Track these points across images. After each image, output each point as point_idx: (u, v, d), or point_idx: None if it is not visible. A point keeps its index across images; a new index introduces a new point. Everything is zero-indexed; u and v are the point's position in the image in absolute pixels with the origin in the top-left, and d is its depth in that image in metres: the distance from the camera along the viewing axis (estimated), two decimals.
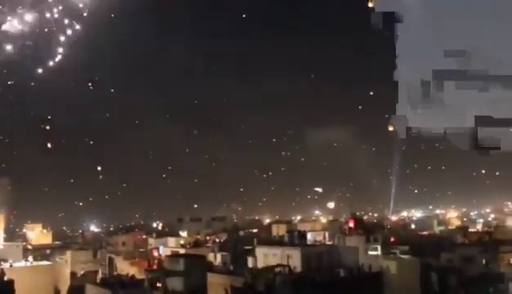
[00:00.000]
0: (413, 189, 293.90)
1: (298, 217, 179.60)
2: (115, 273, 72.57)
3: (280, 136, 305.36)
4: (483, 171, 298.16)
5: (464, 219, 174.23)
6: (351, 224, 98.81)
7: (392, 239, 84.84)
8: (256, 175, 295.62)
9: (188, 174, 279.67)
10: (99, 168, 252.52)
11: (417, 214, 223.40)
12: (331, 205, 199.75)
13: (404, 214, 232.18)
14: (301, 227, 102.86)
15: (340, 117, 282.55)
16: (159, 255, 78.08)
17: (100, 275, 64.59)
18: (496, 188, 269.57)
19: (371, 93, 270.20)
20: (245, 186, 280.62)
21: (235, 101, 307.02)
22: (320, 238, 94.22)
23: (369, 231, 71.01)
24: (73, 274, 69.28)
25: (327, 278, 52.07)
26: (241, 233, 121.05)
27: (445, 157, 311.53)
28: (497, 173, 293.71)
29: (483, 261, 69.54)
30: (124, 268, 73.73)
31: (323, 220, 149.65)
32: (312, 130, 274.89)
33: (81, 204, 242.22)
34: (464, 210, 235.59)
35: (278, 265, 56.75)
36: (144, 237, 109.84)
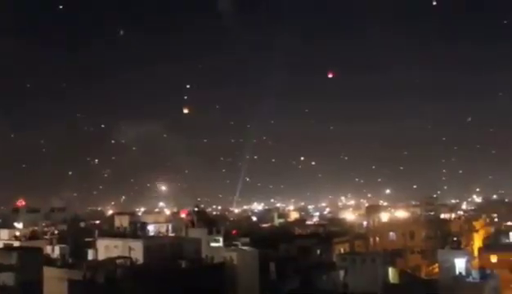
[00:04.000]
0: (249, 182, 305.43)
1: (142, 209, 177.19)
2: None
3: (111, 124, 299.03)
4: (302, 158, 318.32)
5: (303, 212, 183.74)
6: (183, 215, 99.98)
7: (234, 231, 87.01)
8: (90, 163, 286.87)
9: (15, 160, 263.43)
10: None
11: (259, 207, 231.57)
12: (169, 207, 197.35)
13: (246, 207, 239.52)
14: (145, 219, 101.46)
15: (171, 107, 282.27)
16: None
17: None
18: (329, 181, 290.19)
19: (188, 86, 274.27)
20: (77, 173, 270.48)
21: (70, 88, 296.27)
22: (163, 229, 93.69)
23: (212, 223, 71.88)
24: None
25: (169, 269, 51.79)
26: (82, 224, 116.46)
27: (274, 149, 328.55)
28: (313, 163, 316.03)
29: (318, 251, 73.95)
30: None
31: (167, 211, 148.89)
32: (141, 120, 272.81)
33: None
34: (303, 204, 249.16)
35: (119, 257, 55.37)
36: None
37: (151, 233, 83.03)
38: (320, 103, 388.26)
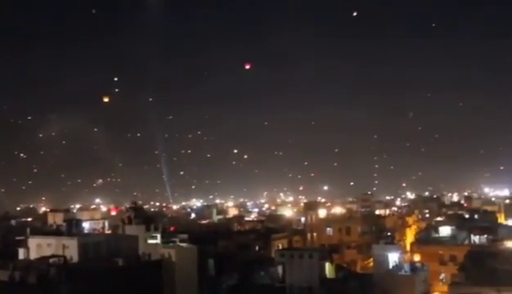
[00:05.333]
0: (186, 178, 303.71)
1: (78, 205, 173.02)
2: None
3: (40, 117, 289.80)
4: (235, 151, 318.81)
5: (241, 209, 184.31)
6: (113, 213, 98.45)
7: (172, 228, 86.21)
8: (17, 158, 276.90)
9: None
10: None
11: (198, 203, 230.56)
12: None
13: (184, 203, 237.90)
14: (80, 216, 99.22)
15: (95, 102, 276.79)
16: None
17: None
18: (265, 177, 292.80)
19: (116, 79, 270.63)
20: (4, 168, 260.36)
21: None
22: (99, 226, 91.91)
23: (149, 220, 70.69)
24: None
25: (105, 267, 50.69)
26: (13, 222, 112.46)
27: (209, 145, 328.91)
28: (245, 156, 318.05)
29: (257, 247, 74.35)
30: None
31: (104, 208, 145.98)
32: (72, 113, 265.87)
33: None
34: (242, 200, 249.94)
35: (53, 256, 53.69)
36: None
37: (87, 231, 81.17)
38: (255, 98, 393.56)
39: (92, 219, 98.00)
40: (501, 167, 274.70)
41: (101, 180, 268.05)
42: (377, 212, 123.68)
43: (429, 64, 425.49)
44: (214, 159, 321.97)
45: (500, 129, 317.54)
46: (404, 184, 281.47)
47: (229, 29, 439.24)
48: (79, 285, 45.22)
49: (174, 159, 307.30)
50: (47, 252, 56.25)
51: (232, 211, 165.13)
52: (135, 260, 55.57)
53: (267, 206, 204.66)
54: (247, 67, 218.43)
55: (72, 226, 69.25)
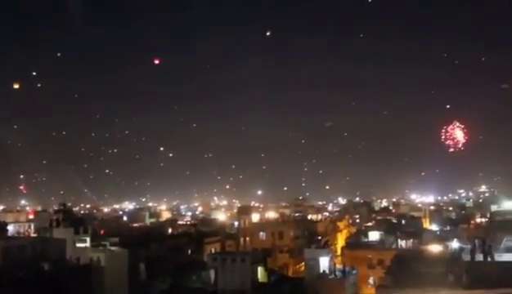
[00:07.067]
0: (114, 177, 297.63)
1: (1, 207, 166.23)
2: None
3: None
4: (162, 149, 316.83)
5: (175, 212, 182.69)
6: (31, 216, 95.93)
7: (102, 231, 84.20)
8: None
9: None
10: None
11: (130, 206, 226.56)
12: None
13: (116, 206, 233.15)
14: (4, 218, 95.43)
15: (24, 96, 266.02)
16: None
17: None
18: (196, 179, 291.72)
19: (34, 73, 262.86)
20: None
21: None
22: (25, 229, 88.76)
23: (78, 222, 68.66)
24: None
25: (29, 272, 48.77)
26: None
27: (138, 146, 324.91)
28: (170, 155, 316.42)
29: (189, 251, 73.73)
30: None
31: (30, 210, 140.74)
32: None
33: None
34: (175, 203, 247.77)
35: None
36: None
37: (11, 234, 78.12)
38: (184, 102, 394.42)
39: (16, 221, 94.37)
40: (423, 173, 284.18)
41: (22, 177, 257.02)
42: (309, 217, 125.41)
43: (357, 66, 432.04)
44: (143, 160, 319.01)
45: (420, 136, 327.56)
46: (328, 187, 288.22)
47: (158, 29, 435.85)
48: (1, 291, 43.30)
49: (101, 159, 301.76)
50: None
51: (165, 215, 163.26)
52: (62, 264, 53.84)
53: (200, 209, 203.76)
54: (156, 62, 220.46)
55: None
